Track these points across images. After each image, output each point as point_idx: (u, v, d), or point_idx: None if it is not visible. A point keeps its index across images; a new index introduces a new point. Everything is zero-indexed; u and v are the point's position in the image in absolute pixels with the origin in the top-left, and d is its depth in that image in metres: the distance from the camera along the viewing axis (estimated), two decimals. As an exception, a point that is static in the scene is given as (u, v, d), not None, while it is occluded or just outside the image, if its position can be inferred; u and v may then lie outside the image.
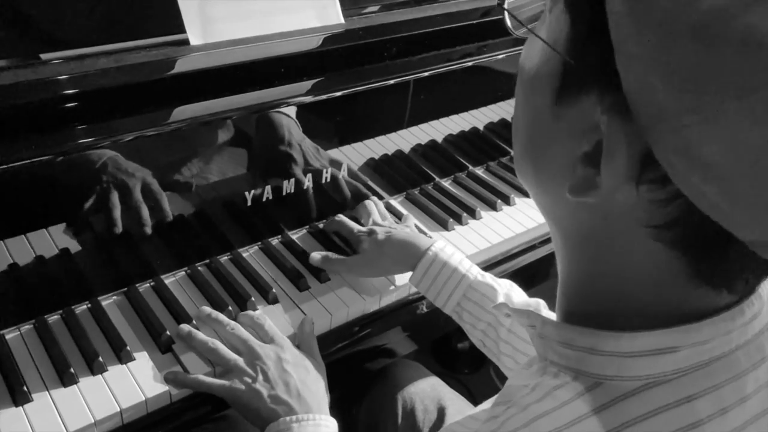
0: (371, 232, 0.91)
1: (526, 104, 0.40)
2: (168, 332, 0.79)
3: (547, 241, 1.07)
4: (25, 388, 0.71)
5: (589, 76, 0.34)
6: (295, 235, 1.00)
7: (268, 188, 0.91)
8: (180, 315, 0.82)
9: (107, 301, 0.84)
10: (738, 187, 0.29)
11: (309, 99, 0.88)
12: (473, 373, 1.54)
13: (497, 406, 0.40)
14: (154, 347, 0.79)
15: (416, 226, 1.02)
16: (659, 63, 0.29)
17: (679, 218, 0.34)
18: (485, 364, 1.51)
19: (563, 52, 0.35)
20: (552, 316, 0.73)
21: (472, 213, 1.07)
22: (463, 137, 1.14)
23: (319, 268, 0.92)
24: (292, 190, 0.94)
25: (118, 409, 0.71)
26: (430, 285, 0.84)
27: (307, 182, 0.95)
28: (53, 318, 0.81)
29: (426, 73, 0.98)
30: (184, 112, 0.80)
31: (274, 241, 0.98)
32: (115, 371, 0.75)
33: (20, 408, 0.70)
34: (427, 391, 0.95)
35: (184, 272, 0.90)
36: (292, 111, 0.89)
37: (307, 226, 1.01)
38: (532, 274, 1.06)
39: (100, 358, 0.75)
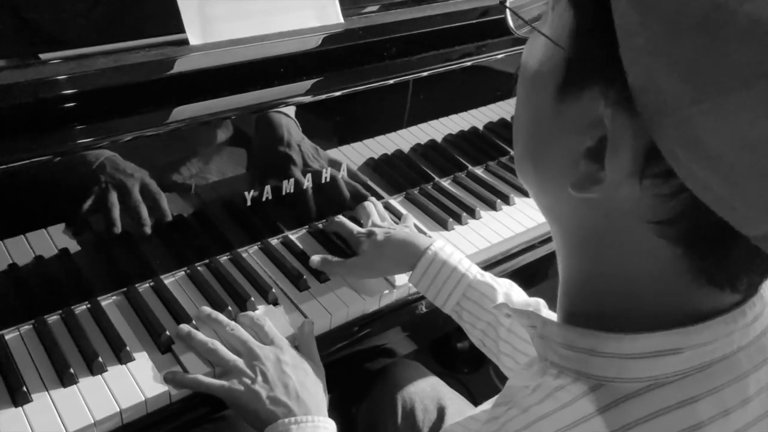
0: (370, 234, 0.91)
1: (528, 102, 0.40)
2: (167, 332, 0.79)
3: (547, 240, 1.07)
4: (24, 389, 0.71)
5: (592, 70, 0.34)
6: (295, 235, 1.00)
7: (267, 188, 0.91)
8: (179, 315, 0.82)
9: (107, 302, 0.84)
10: (744, 178, 0.29)
11: (308, 99, 0.88)
12: (473, 372, 1.53)
13: (498, 407, 0.40)
14: (154, 347, 0.79)
15: (416, 226, 1.02)
16: (665, 54, 0.28)
17: (683, 213, 0.34)
18: (485, 364, 1.51)
19: (567, 48, 0.35)
20: (552, 315, 0.73)
21: (472, 213, 1.07)
22: (462, 137, 1.14)
23: (318, 268, 0.92)
24: (292, 190, 0.94)
25: (118, 410, 0.71)
26: (430, 284, 0.84)
27: (307, 182, 0.95)
28: (53, 318, 0.81)
29: (425, 73, 0.98)
30: (183, 112, 0.80)
31: (274, 241, 0.98)
32: (115, 371, 0.75)
33: (20, 408, 0.70)
34: (427, 391, 0.95)
35: (183, 272, 0.90)
36: (291, 111, 0.89)
37: (307, 226, 1.01)
38: (532, 274, 1.05)
39: (100, 359, 0.75)
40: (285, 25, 0.90)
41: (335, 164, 0.98)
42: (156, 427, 0.74)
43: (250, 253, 0.96)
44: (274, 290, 0.88)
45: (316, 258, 0.92)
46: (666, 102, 0.29)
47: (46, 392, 0.72)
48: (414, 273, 0.85)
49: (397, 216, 1.05)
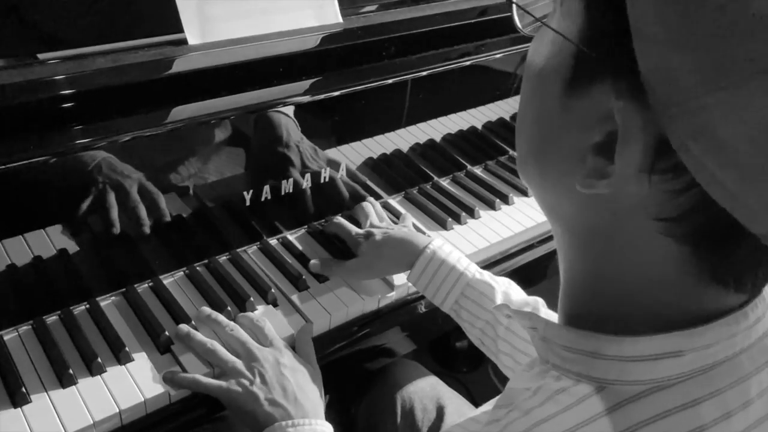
0: (369, 234, 0.91)
1: (533, 99, 0.40)
2: (167, 333, 0.79)
3: (546, 240, 1.07)
4: (23, 390, 0.71)
5: (603, 64, 0.34)
6: (294, 235, 1.00)
7: (266, 188, 0.91)
8: (179, 315, 0.82)
9: (106, 302, 0.84)
10: (757, 171, 0.28)
11: (307, 99, 0.88)
12: (472, 371, 1.54)
13: (499, 409, 0.40)
14: (153, 348, 0.79)
15: (414, 226, 1.02)
16: (679, 43, 0.28)
17: (691, 211, 0.33)
18: (484, 363, 1.51)
19: (576, 41, 0.35)
20: (551, 315, 0.73)
21: (471, 212, 1.07)
22: (461, 136, 1.14)
23: (317, 268, 0.92)
24: (291, 190, 0.94)
25: (117, 410, 0.71)
26: (428, 283, 0.84)
27: (306, 182, 0.95)
28: (51, 319, 0.81)
29: (424, 73, 0.98)
30: (182, 112, 0.80)
31: (273, 241, 0.98)
32: (114, 372, 0.75)
33: (19, 409, 0.70)
34: (426, 391, 0.95)
35: (182, 272, 0.90)
36: (290, 111, 0.89)
37: (306, 226, 1.01)
38: (531, 274, 1.06)
39: (99, 359, 0.75)
40: (284, 25, 0.90)
41: (334, 164, 0.98)
42: (155, 427, 0.74)
43: (249, 254, 0.96)
44: (273, 290, 0.88)
45: (315, 262, 0.92)
46: (680, 92, 0.29)
47: (45, 393, 0.72)
48: (412, 271, 0.85)
49: (396, 216, 1.05)
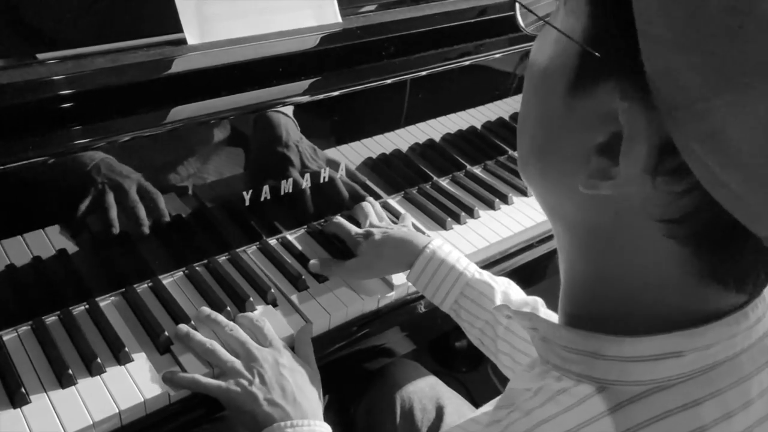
0: (368, 234, 0.91)
1: (536, 99, 0.40)
2: (166, 333, 0.79)
3: (545, 240, 1.07)
4: (23, 390, 0.71)
5: (608, 64, 0.33)
6: (294, 235, 1.00)
7: (266, 188, 0.91)
8: (178, 315, 0.82)
9: (105, 302, 0.84)
10: (762, 174, 0.28)
11: (306, 99, 0.88)
12: (471, 371, 1.54)
13: (499, 410, 0.39)
14: (153, 348, 0.79)
15: (414, 226, 1.02)
16: (686, 45, 0.28)
17: (694, 212, 0.33)
18: (483, 363, 1.51)
19: (581, 41, 0.34)
20: (550, 315, 0.73)
21: (471, 212, 1.07)
22: (460, 136, 1.14)
23: (317, 268, 0.92)
24: (290, 190, 0.93)
25: (117, 411, 0.71)
26: (428, 283, 0.84)
27: (305, 182, 0.95)
28: (51, 319, 0.81)
29: (423, 72, 0.98)
30: (181, 112, 0.79)
31: (273, 241, 0.98)
32: (114, 372, 0.75)
33: (18, 410, 0.70)
34: (426, 391, 0.95)
35: (182, 273, 0.90)
36: (289, 110, 0.88)
37: (306, 226, 1.01)
38: (530, 273, 1.06)
39: (99, 360, 0.75)
40: (283, 25, 0.90)
41: (333, 164, 0.97)
42: (155, 428, 0.74)
43: (249, 254, 0.95)
44: (272, 290, 0.88)
45: (315, 262, 0.92)
46: (686, 94, 0.28)
47: (45, 393, 0.72)
48: (412, 271, 0.85)
49: (396, 216, 1.05)
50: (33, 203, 0.75)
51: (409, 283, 0.87)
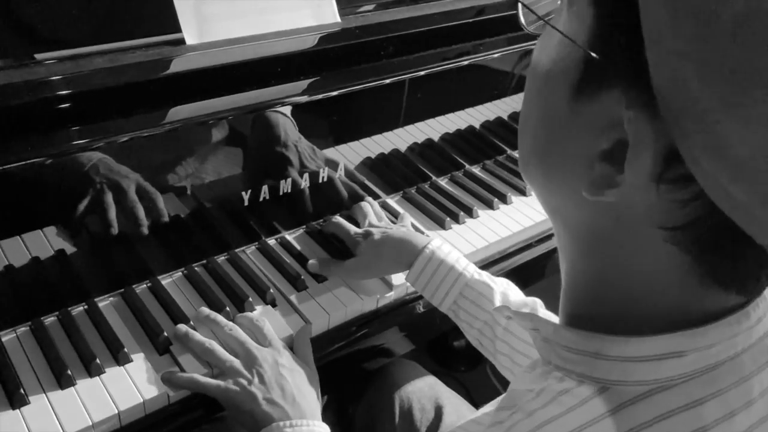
0: (367, 234, 0.91)
1: (538, 100, 0.39)
2: (165, 333, 0.79)
3: (544, 239, 1.07)
4: (22, 391, 0.70)
5: (613, 70, 0.33)
6: (293, 235, 1.00)
7: (264, 188, 0.91)
8: (177, 316, 0.82)
9: (104, 303, 0.84)
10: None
11: (305, 99, 0.88)
12: (470, 370, 1.54)
13: (501, 411, 0.39)
14: (152, 349, 0.78)
15: (413, 226, 1.02)
16: (695, 57, 0.27)
17: (697, 220, 0.33)
18: (482, 362, 1.51)
19: (586, 46, 0.34)
20: (549, 315, 0.74)
21: (469, 212, 1.07)
22: (459, 136, 1.14)
23: (316, 268, 0.92)
24: (289, 190, 0.93)
25: (116, 411, 0.71)
26: (427, 283, 0.84)
27: (304, 182, 0.95)
28: (50, 320, 0.80)
29: (422, 72, 0.98)
30: (180, 112, 0.79)
31: (272, 241, 0.98)
32: (113, 373, 0.75)
33: (17, 411, 0.70)
34: (425, 391, 0.95)
35: (181, 273, 0.90)
36: (288, 110, 0.88)
37: (305, 226, 1.01)
38: (529, 273, 1.06)
39: (98, 360, 0.75)
40: (281, 25, 0.90)
41: (332, 164, 0.97)
42: (154, 428, 0.74)
43: (248, 254, 0.95)
44: (271, 290, 0.88)
45: (314, 262, 0.92)
46: (694, 106, 0.28)
47: (44, 394, 0.72)
48: (411, 271, 0.85)
49: (395, 215, 1.05)
50: (31, 204, 0.75)
51: (408, 284, 0.87)
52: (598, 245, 0.39)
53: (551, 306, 0.75)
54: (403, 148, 1.07)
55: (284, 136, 0.90)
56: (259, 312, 0.85)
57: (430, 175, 1.14)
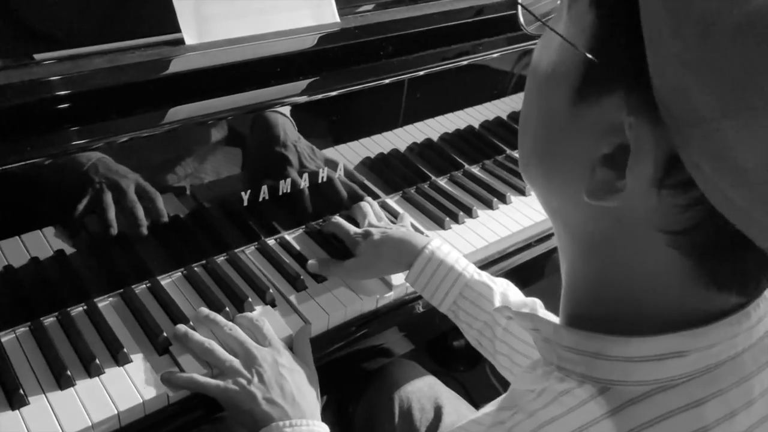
0: (367, 234, 0.91)
1: (539, 102, 0.39)
2: (165, 334, 0.79)
3: (543, 239, 1.07)
4: (21, 391, 0.70)
5: (614, 75, 0.33)
6: (292, 235, 0.99)
7: (264, 188, 0.91)
8: (177, 316, 0.82)
9: (103, 303, 0.84)
10: None
11: (304, 99, 0.88)
12: (469, 370, 1.54)
13: (502, 411, 0.39)
14: (151, 349, 0.78)
15: (413, 226, 1.02)
16: (697, 64, 0.27)
17: (698, 225, 0.33)
18: (481, 362, 1.51)
19: (587, 50, 0.34)
20: (549, 316, 0.74)
21: (469, 212, 1.07)
22: (458, 136, 1.14)
23: (315, 268, 0.92)
24: (289, 190, 0.93)
25: (116, 412, 0.71)
26: (426, 284, 0.84)
27: (304, 182, 0.95)
28: (49, 320, 0.80)
29: (421, 72, 0.98)
30: (179, 112, 0.79)
31: (271, 241, 0.98)
32: (112, 373, 0.75)
33: (17, 411, 0.69)
34: (424, 390, 0.95)
35: (180, 273, 0.90)
36: (287, 110, 0.88)
37: (304, 226, 1.01)
38: (529, 273, 1.06)
39: (97, 361, 0.75)
40: (281, 25, 0.90)
41: (332, 164, 0.97)
42: (153, 429, 0.74)
43: (247, 254, 0.95)
44: (271, 291, 0.88)
45: (314, 262, 0.92)
46: (695, 113, 0.28)
47: (43, 395, 0.71)
48: (411, 272, 0.85)
49: (394, 215, 1.05)
50: (31, 204, 0.75)
51: (408, 284, 0.87)
52: (599, 247, 0.39)
53: (551, 306, 0.75)
54: (402, 148, 1.07)
55: (283, 136, 0.90)
56: (259, 312, 0.85)
57: (430, 175, 1.14)
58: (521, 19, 0.43)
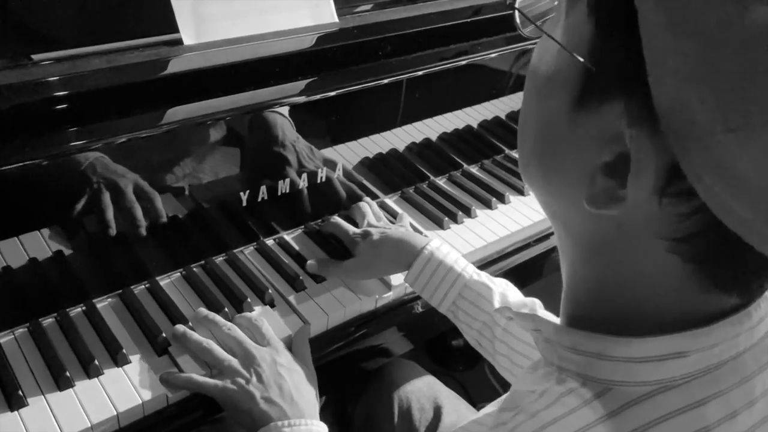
0: (366, 234, 0.91)
1: (538, 107, 0.39)
2: (164, 334, 0.79)
3: (542, 239, 1.07)
4: (20, 393, 0.70)
5: (613, 84, 0.33)
6: (291, 236, 0.99)
7: (263, 188, 0.91)
8: (176, 317, 0.82)
9: (102, 304, 0.84)
10: None
11: (303, 99, 0.88)
12: (468, 370, 1.54)
13: (504, 412, 0.39)
14: (150, 350, 0.78)
15: (411, 225, 1.02)
16: (697, 78, 0.27)
17: (699, 232, 0.33)
18: (480, 362, 1.51)
19: (586, 59, 0.34)
20: (548, 316, 0.74)
21: (468, 211, 1.07)
22: (457, 135, 1.14)
23: (315, 268, 0.92)
24: (287, 190, 0.93)
25: (115, 413, 0.71)
26: (426, 284, 0.84)
27: (302, 182, 0.95)
28: (48, 321, 0.80)
29: (420, 72, 0.98)
30: (177, 112, 0.79)
31: (270, 241, 0.97)
32: (112, 374, 0.75)
33: (16, 412, 0.69)
34: (423, 390, 0.95)
35: (179, 274, 0.90)
36: (285, 110, 0.88)
37: (303, 226, 1.01)
38: (527, 272, 1.06)
39: (96, 361, 0.74)
40: (279, 25, 0.90)
41: (331, 164, 0.97)
42: (153, 429, 0.74)
43: (246, 254, 0.95)
44: (270, 291, 0.87)
45: (313, 262, 0.92)
46: (696, 126, 0.28)
47: (42, 396, 0.71)
48: (410, 273, 0.85)
49: (393, 215, 1.05)
50: (29, 205, 0.74)
51: (407, 284, 0.87)
52: (599, 250, 0.39)
53: (550, 306, 0.75)
54: (401, 147, 1.07)
55: (282, 136, 0.90)
56: (258, 312, 0.85)
57: (429, 174, 1.14)
58: (518, 23, 0.43)
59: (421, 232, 1.00)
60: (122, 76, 0.77)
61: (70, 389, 0.72)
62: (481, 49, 1.05)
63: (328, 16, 0.94)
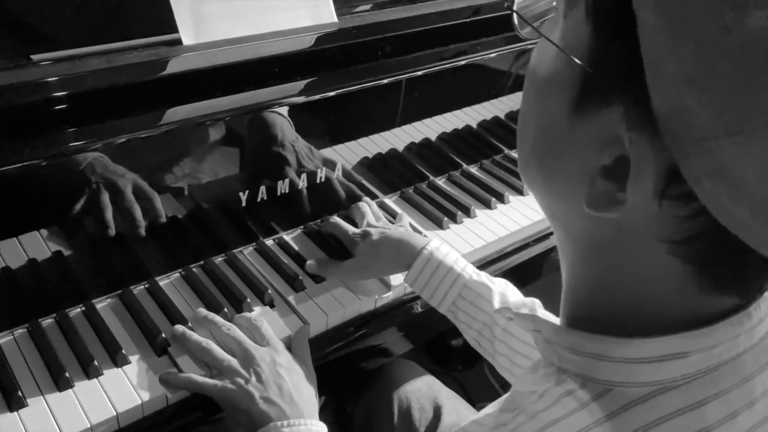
0: (365, 234, 0.91)
1: (537, 108, 0.39)
2: (163, 335, 0.79)
3: (542, 239, 1.07)
4: (19, 393, 0.70)
5: (612, 88, 0.33)
6: (290, 236, 0.99)
7: (262, 189, 0.91)
8: (175, 317, 0.82)
9: (101, 304, 0.84)
10: None
11: (302, 99, 0.88)
12: (467, 369, 1.54)
13: (504, 413, 0.39)
14: (150, 350, 0.78)
15: (411, 225, 1.02)
16: (696, 83, 0.28)
17: (700, 234, 0.33)
18: (479, 361, 1.51)
19: (584, 61, 0.34)
20: (548, 316, 0.74)
21: (467, 211, 1.07)
22: (456, 135, 1.14)
23: (314, 268, 0.92)
24: (287, 191, 0.93)
25: (114, 413, 0.71)
26: (425, 284, 0.84)
27: (302, 182, 0.95)
28: (47, 322, 0.80)
29: (419, 72, 0.98)
30: (177, 113, 0.79)
31: (269, 241, 0.97)
32: (111, 375, 0.75)
33: (15, 413, 0.69)
34: (423, 390, 0.95)
35: (178, 274, 0.90)
36: (285, 110, 0.88)
37: (302, 227, 1.01)
38: (527, 272, 1.06)
39: (96, 362, 0.74)
40: (279, 25, 0.90)
41: (330, 164, 0.97)
42: (152, 430, 0.74)
43: (246, 254, 0.95)
44: (269, 291, 0.87)
45: (312, 262, 0.92)
46: (696, 131, 0.28)
47: (42, 396, 0.71)
48: (409, 273, 0.85)
49: (393, 215, 1.05)
50: (28, 205, 0.74)
51: (406, 284, 0.87)
52: (598, 251, 0.39)
53: (549, 305, 0.75)
54: (400, 147, 1.07)
55: (281, 136, 0.90)
56: (257, 313, 0.85)
57: (428, 174, 1.14)
58: (516, 25, 0.43)
59: (420, 232, 1.00)
60: (121, 76, 0.77)
61: (70, 390, 0.72)
62: (480, 49, 1.05)
63: (327, 16, 0.94)
